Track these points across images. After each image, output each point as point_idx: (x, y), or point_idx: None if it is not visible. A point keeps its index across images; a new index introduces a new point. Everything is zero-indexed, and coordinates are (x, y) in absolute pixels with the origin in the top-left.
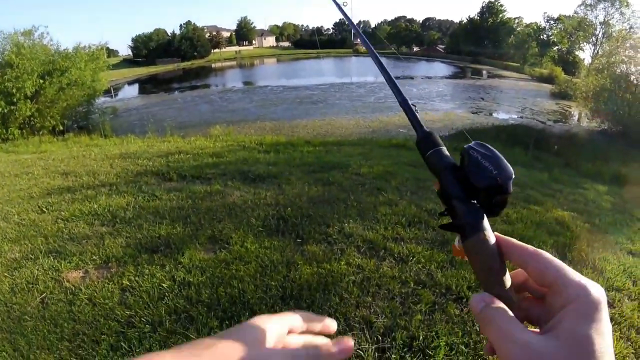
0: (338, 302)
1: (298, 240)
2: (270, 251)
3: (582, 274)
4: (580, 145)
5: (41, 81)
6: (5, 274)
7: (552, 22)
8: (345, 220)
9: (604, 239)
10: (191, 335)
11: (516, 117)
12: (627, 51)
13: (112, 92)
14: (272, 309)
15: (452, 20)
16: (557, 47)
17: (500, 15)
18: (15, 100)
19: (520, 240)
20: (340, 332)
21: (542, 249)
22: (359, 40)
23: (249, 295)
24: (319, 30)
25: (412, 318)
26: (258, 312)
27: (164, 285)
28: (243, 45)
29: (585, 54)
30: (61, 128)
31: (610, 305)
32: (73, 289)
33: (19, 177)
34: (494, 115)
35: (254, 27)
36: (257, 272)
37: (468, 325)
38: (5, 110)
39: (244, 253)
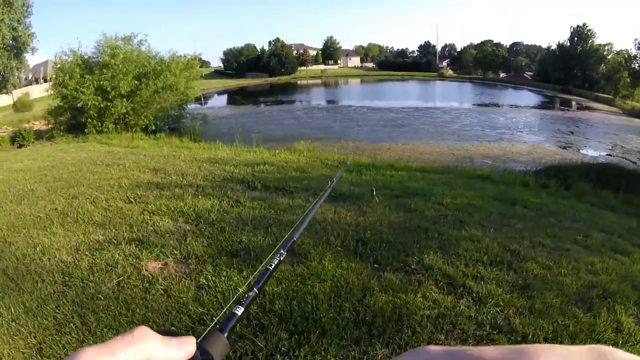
0: (410, 335)
1: (375, 265)
2: (347, 272)
3: None
4: None
5: (137, 82)
6: (87, 253)
7: None
8: (425, 251)
9: None
10: (259, 343)
11: (606, 154)
12: None
13: (203, 99)
14: (344, 331)
15: (540, 46)
16: None
17: (590, 42)
18: (110, 97)
19: (603, 293)
20: None
21: (624, 304)
22: (444, 63)
23: (321, 313)
24: (403, 52)
25: None
26: (329, 331)
27: (239, 289)
28: (328, 64)
29: None
30: (153, 128)
31: None
32: (150, 278)
33: (110, 167)
34: (582, 151)
35: (340, 46)
36: (332, 291)
37: None
38: (102, 105)
39: (321, 270)
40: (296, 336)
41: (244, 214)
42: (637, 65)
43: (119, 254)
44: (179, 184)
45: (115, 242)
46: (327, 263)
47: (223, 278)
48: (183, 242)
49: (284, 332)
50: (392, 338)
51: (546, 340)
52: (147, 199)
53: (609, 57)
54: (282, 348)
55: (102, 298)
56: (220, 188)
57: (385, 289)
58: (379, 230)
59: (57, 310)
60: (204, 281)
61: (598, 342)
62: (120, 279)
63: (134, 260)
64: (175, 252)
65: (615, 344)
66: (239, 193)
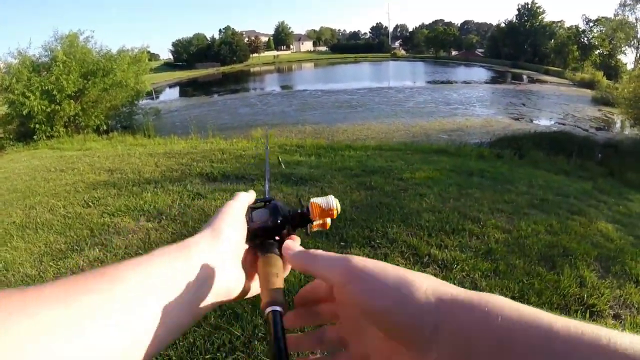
0: None
1: (342, 244)
2: None
3: (624, 287)
4: (625, 154)
5: (84, 81)
6: (51, 264)
7: (591, 24)
8: (388, 225)
9: None
10: (235, 332)
11: (558, 123)
12: None
13: (154, 94)
14: None
15: (490, 24)
16: (598, 50)
17: (540, 18)
18: (58, 100)
19: (564, 251)
20: None
21: (585, 260)
22: (397, 44)
23: (294, 295)
24: (355, 35)
25: None
26: None
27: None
28: (281, 50)
29: (627, 57)
30: (105, 127)
31: None
32: None
33: (64, 172)
34: (535, 121)
35: (292, 31)
36: (302, 274)
37: None
38: (49, 110)
39: None
40: None
41: (206, 206)
42: (585, 39)
43: (83, 260)
44: (136, 182)
45: (78, 248)
46: None
47: None
48: (147, 240)
49: (258, 317)
50: None
51: (514, 299)
52: (106, 200)
53: (559, 32)
54: (259, 334)
55: None
56: (180, 182)
57: None
58: (342, 209)
59: None
60: None
61: (564, 297)
62: None
63: (100, 265)
64: (140, 252)
65: (581, 298)
66: (199, 185)
